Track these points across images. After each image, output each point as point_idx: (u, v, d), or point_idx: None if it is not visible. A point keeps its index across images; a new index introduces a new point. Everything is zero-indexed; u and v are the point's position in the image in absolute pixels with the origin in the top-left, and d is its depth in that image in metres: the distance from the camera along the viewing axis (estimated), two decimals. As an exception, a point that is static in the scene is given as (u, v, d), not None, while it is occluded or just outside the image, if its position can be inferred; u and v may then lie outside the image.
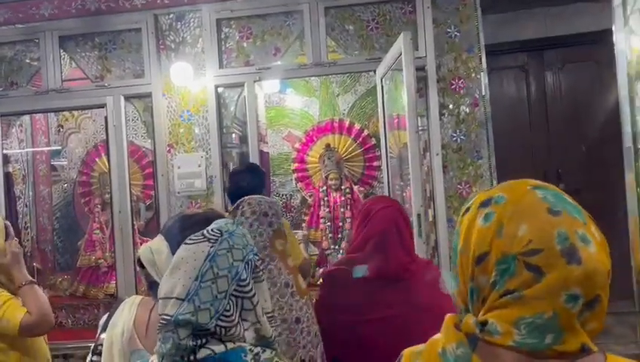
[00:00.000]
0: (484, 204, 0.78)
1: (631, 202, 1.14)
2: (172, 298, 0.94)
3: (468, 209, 0.81)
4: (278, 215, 1.86)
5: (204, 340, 0.93)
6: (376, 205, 1.88)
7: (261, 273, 1.03)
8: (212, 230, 1.01)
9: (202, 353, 0.92)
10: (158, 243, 1.31)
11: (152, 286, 1.31)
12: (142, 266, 1.30)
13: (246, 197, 1.89)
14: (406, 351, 0.86)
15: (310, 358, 1.74)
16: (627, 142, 1.13)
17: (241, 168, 2.70)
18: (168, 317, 0.93)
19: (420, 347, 0.83)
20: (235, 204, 1.88)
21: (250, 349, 0.96)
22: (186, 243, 1.00)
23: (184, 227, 1.36)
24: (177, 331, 0.92)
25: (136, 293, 3.37)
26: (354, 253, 1.86)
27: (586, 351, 0.70)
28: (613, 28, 2.96)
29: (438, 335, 0.79)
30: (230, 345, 0.94)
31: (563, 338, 0.69)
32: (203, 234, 1.00)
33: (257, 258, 1.03)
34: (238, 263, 0.98)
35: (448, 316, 0.79)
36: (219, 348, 0.93)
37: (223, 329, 0.94)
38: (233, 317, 0.95)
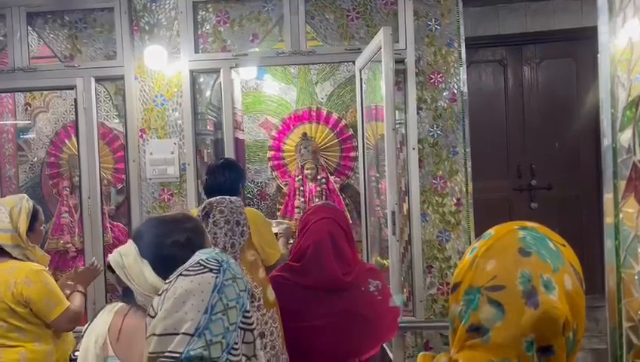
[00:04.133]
0: (479, 238, 0.80)
1: (609, 254, 1.11)
2: (178, 334, 0.87)
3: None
4: (247, 221, 1.81)
5: None
6: (314, 216, 1.92)
7: (257, 303, 1.00)
8: (209, 259, 0.95)
9: None
10: (127, 246, 1.30)
11: (126, 292, 1.30)
12: (112, 271, 1.27)
13: (214, 201, 1.80)
14: None
15: None
16: (608, 160, 1.09)
17: (218, 164, 2.65)
18: (176, 355, 0.86)
19: None
20: (204, 211, 1.80)
21: None
22: (184, 275, 0.93)
23: (151, 226, 1.35)
24: None
25: (105, 281, 3.31)
26: (294, 261, 1.89)
27: None
28: (599, 22, 2.97)
29: None
30: None
31: None
32: (201, 264, 0.94)
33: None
34: (243, 293, 0.94)
35: (421, 355, 0.79)
36: None
37: None
38: (239, 351, 0.91)
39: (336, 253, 1.82)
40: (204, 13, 3.34)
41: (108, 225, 3.98)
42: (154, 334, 0.89)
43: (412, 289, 3.17)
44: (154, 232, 1.32)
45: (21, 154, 4.66)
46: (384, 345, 1.95)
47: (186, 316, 0.88)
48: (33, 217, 2.24)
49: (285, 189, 4.29)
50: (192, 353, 0.86)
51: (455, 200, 3.20)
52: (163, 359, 0.87)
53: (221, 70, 3.27)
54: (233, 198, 1.84)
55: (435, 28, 3.22)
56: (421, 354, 0.79)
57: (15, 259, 2.16)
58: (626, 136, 0.95)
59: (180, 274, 0.94)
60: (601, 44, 1.10)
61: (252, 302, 0.98)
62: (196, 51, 3.30)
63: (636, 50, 0.93)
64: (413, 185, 3.16)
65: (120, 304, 1.35)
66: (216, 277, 0.92)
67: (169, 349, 0.87)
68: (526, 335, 0.69)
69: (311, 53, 3.25)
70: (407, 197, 3.21)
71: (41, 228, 2.35)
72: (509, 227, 0.79)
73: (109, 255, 1.29)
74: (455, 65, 3.21)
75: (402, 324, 2.64)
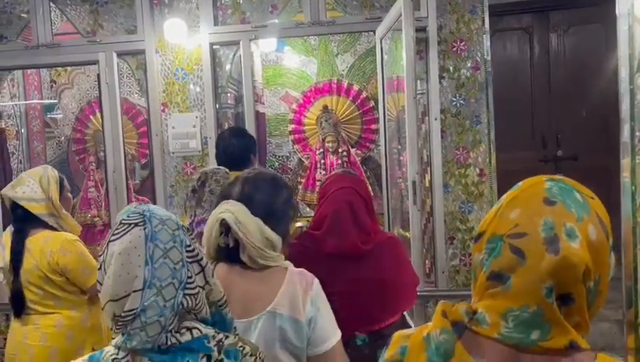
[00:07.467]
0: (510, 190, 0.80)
1: (625, 203, 1.12)
2: (129, 294, 0.91)
3: None
4: None
5: (170, 330, 0.92)
6: (333, 186, 1.90)
7: (193, 234, 1.02)
8: (130, 216, 0.97)
9: (169, 342, 0.92)
10: (233, 204, 1.34)
11: (231, 252, 1.34)
12: (220, 233, 1.31)
13: (209, 171, 1.79)
14: (397, 334, 0.86)
15: None
16: (625, 132, 1.09)
17: (227, 133, 2.64)
18: (133, 311, 0.90)
19: (410, 330, 0.84)
20: (199, 180, 1.78)
21: (213, 336, 0.95)
22: (113, 240, 0.94)
23: (253, 186, 1.41)
24: (146, 329, 0.90)
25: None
26: (313, 229, 1.88)
27: (574, 348, 0.69)
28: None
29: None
30: (196, 333, 0.93)
31: (550, 335, 0.68)
32: (125, 223, 0.95)
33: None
34: (177, 231, 0.96)
35: (441, 303, 0.79)
36: (184, 337, 0.93)
37: (192, 300, 0.93)
38: (195, 284, 0.95)
39: (354, 222, 1.81)
40: (222, -16, 3.32)
41: (133, 199, 4.06)
42: (110, 300, 0.92)
43: (434, 261, 3.16)
44: (260, 191, 1.39)
45: (48, 130, 4.76)
46: (405, 313, 1.95)
47: (130, 276, 0.91)
48: (60, 185, 2.30)
49: (307, 162, 4.30)
50: (146, 303, 0.90)
51: (478, 171, 3.16)
52: (122, 320, 0.91)
53: (240, 42, 3.26)
54: (226, 169, 1.83)
55: (458, -6, 3.14)
56: (441, 301, 0.79)
57: (48, 228, 2.22)
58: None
59: (109, 241, 0.95)
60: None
61: (190, 234, 1.00)
62: (215, 24, 3.29)
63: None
64: (435, 155, 3.12)
65: None
66: (145, 228, 0.94)
67: (125, 309, 0.91)
68: (545, 281, 0.69)
69: (330, 23, 3.21)
70: (429, 168, 3.18)
71: (69, 194, 2.40)
72: (536, 179, 0.79)
73: (220, 214, 1.31)
74: (478, 33, 3.13)
75: (424, 293, 2.66)
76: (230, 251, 1.32)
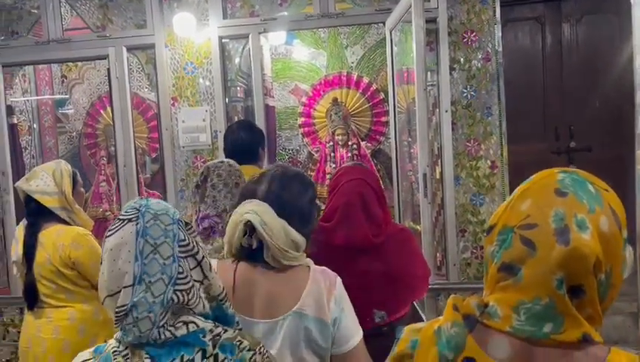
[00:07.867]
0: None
1: None
2: (120, 290, 0.92)
3: None
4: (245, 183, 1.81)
5: (163, 325, 0.92)
6: (343, 178, 1.89)
7: (192, 228, 1.02)
8: (127, 211, 0.98)
9: (163, 336, 0.92)
10: (258, 205, 1.31)
11: (254, 253, 1.32)
12: (244, 234, 1.29)
13: (211, 165, 1.80)
14: (407, 328, 0.86)
15: None
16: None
17: (235, 126, 2.64)
18: (124, 307, 0.91)
19: (421, 324, 0.84)
20: (202, 175, 1.78)
21: (210, 330, 0.95)
22: (108, 236, 0.96)
23: (277, 185, 1.37)
24: (138, 324, 0.90)
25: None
26: (324, 221, 1.87)
27: (587, 341, 0.67)
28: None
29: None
30: (192, 327, 0.94)
31: (563, 327, 0.67)
32: (120, 219, 0.96)
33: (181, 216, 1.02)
34: (170, 226, 0.96)
35: (452, 296, 0.78)
36: (180, 331, 0.93)
37: (183, 295, 0.93)
38: (188, 279, 0.94)
39: (366, 214, 1.80)
40: (231, -23, 3.31)
41: (145, 193, 4.08)
42: (107, 295, 0.94)
43: (445, 254, 3.15)
44: (287, 190, 1.37)
45: (60, 125, 4.80)
46: (415, 305, 1.94)
47: (120, 271, 0.92)
48: (73, 179, 2.31)
49: (316, 156, 4.29)
50: (135, 299, 0.91)
51: (489, 163, 3.13)
52: (116, 316, 0.93)
53: (250, 36, 3.25)
54: (231, 161, 1.83)
55: (469, -16, 3.10)
56: (452, 295, 0.79)
57: (61, 222, 2.23)
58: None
59: (106, 237, 0.97)
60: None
61: (189, 228, 1.00)
62: (224, 17, 3.28)
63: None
64: (446, 148, 3.10)
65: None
66: (136, 224, 0.94)
67: (117, 305, 0.92)
68: (555, 273, 0.68)
69: (340, 15, 3.18)
70: (440, 161, 3.16)
71: (82, 189, 2.41)
72: (549, 171, 0.78)
73: (245, 215, 1.28)
74: (489, 24, 3.10)
75: (435, 286, 2.65)
76: (253, 251, 1.31)
